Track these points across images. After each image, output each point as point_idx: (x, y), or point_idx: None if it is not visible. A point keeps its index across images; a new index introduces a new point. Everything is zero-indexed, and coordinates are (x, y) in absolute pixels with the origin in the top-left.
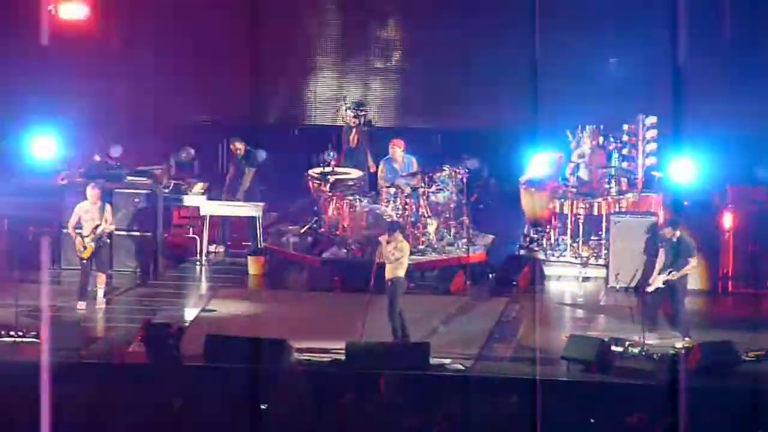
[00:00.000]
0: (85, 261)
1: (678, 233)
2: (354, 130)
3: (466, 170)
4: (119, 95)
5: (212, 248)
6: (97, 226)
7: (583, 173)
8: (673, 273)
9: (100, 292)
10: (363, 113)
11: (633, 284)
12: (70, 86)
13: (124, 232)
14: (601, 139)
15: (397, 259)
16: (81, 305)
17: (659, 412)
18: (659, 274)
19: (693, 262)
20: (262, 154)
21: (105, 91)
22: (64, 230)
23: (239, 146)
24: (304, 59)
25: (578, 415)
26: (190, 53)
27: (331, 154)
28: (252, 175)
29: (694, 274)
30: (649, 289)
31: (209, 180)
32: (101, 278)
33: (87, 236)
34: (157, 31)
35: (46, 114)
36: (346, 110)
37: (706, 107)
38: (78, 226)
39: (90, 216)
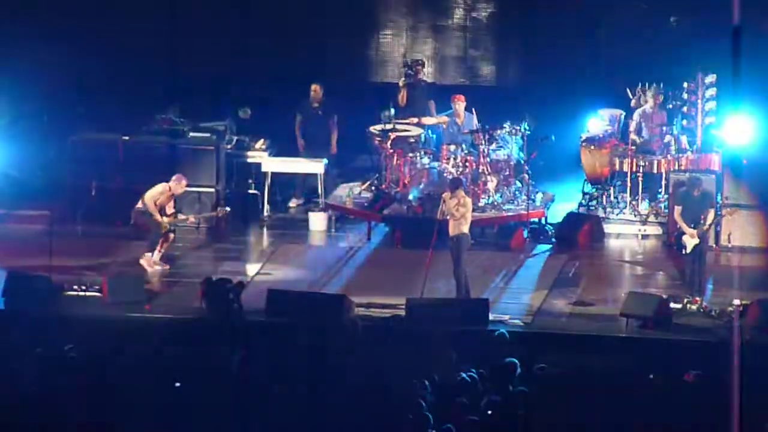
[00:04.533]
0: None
1: (701, 187)
2: (403, 89)
3: (527, 128)
4: (180, 51)
5: (291, 203)
6: (175, 214)
7: (645, 132)
8: (700, 226)
9: (157, 255)
10: (413, 72)
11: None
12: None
13: (187, 188)
14: (661, 97)
15: (462, 215)
16: (147, 259)
17: (717, 368)
18: (692, 229)
19: (711, 214)
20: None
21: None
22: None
23: None
24: (369, 15)
25: (637, 371)
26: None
27: (392, 111)
28: None
29: (751, 232)
30: (688, 250)
31: (271, 136)
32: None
33: (166, 217)
34: None
35: (107, 70)
36: (401, 68)
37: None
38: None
39: (165, 201)
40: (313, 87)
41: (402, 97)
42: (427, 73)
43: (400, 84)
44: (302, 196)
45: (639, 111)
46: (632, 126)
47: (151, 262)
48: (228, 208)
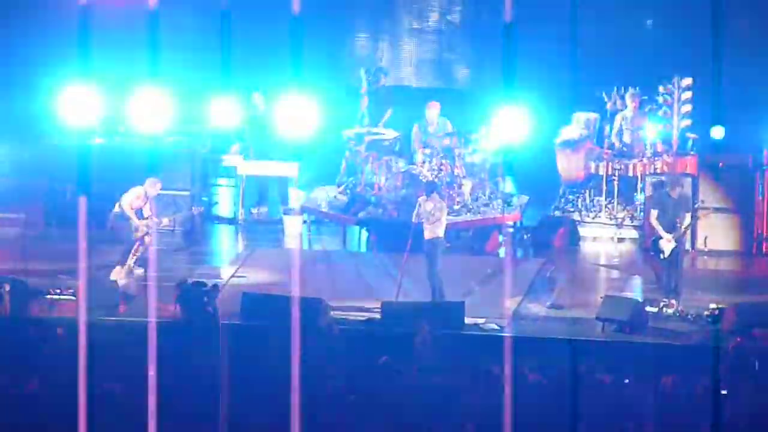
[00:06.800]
0: (133, 239)
1: (678, 190)
2: (365, 96)
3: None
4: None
5: (254, 210)
6: (149, 217)
7: (626, 136)
8: (677, 230)
9: (131, 260)
10: (375, 79)
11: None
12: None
13: (162, 191)
14: (638, 100)
15: (437, 219)
16: (117, 272)
17: (694, 373)
18: (668, 233)
19: (687, 218)
20: None
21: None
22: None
23: None
24: (344, 19)
25: (612, 375)
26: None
27: (365, 115)
28: None
29: (728, 235)
30: (666, 255)
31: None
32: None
33: (143, 220)
34: None
35: (84, 72)
36: (363, 74)
37: (742, 68)
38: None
39: (140, 204)
40: (254, 95)
41: (363, 103)
42: (401, 77)
43: (362, 91)
44: (265, 204)
45: (620, 115)
46: (614, 130)
47: (122, 274)
48: (202, 207)
